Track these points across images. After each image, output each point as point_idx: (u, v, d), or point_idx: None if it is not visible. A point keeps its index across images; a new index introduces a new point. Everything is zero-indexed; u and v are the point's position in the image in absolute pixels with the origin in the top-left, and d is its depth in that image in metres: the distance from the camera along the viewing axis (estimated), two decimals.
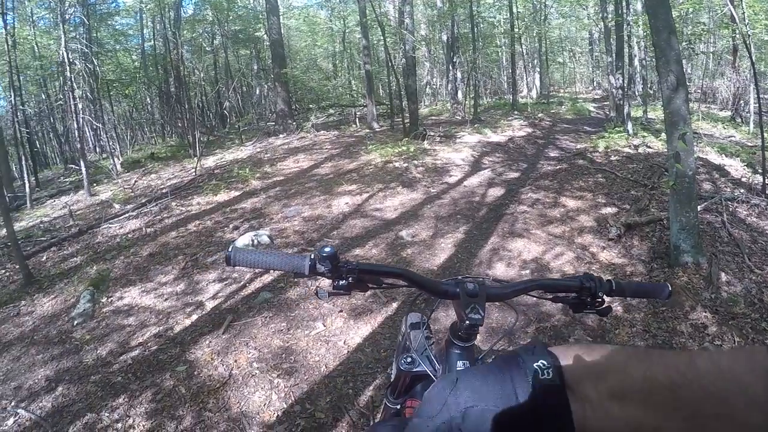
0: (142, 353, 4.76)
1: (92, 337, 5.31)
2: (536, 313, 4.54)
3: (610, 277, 1.28)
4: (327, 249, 1.15)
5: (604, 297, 1.26)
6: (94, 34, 19.04)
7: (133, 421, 3.74)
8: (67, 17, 14.97)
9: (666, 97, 5.19)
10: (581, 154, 11.02)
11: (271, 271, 5.97)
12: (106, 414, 3.86)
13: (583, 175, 9.18)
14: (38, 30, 18.63)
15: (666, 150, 5.59)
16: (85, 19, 17.03)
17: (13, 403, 4.35)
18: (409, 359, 1.41)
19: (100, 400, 4.07)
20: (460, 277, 1.28)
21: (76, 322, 5.68)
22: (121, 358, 4.76)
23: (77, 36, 16.26)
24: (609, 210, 7.18)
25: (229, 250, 1.22)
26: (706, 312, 4.32)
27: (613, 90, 14.78)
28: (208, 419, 3.62)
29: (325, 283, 1.20)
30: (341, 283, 1.19)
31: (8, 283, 7.57)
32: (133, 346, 4.95)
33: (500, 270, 5.63)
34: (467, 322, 1.14)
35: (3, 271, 8.06)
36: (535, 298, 1.36)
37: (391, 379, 1.81)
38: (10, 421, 4.06)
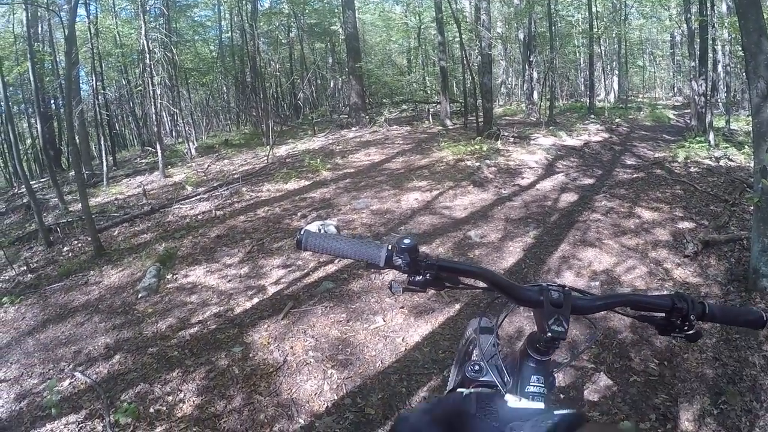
0: (200, 331, 4.86)
1: (154, 311, 5.48)
2: (603, 328, 4.36)
3: (702, 300, 1.17)
4: (407, 241, 1.10)
5: (696, 321, 1.16)
6: (174, 25, 19.61)
7: (184, 395, 3.82)
8: (147, 8, 15.49)
9: (755, 105, 4.80)
10: (659, 164, 10.62)
11: (336, 261, 5.99)
12: (159, 386, 3.95)
13: (660, 186, 8.83)
14: (120, 20, 19.35)
15: (750, 164, 5.26)
16: (165, 11, 17.57)
17: (71, 366, 4.51)
18: (477, 367, 1.32)
19: (155, 372, 4.17)
20: (543, 284, 1.19)
21: (140, 296, 5.87)
22: (180, 333, 4.87)
23: (157, 26, 16.81)
24: (686, 224, 6.85)
25: (301, 232, 1.18)
26: None
27: (695, 97, 14.18)
28: (257, 402, 3.66)
29: (401, 277, 1.15)
30: (418, 278, 1.14)
31: (80, 253, 7.91)
32: (193, 323, 5.07)
33: (569, 279, 5.46)
34: (549, 334, 1.07)
35: (76, 242, 8.42)
36: (604, 311, 1.26)
37: (450, 385, 1.74)
38: (66, 383, 4.21)
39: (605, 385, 3.67)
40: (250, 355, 4.29)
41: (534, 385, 1.11)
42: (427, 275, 1.13)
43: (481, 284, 1.21)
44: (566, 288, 1.18)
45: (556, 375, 1.21)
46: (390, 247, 1.12)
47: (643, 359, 3.96)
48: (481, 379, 1.31)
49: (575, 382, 3.74)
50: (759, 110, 4.76)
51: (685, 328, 1.17)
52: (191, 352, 4.47)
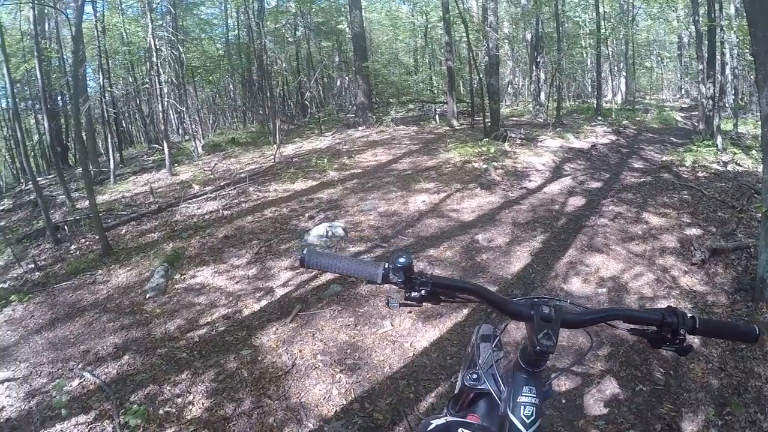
0: (209, 332, 4.88)
1: (162, 311, 5.51)
2: (610, 336, 4.35)
3: (693, 314, 1.23)
4: (401, 259, 1.15)
5: (686, 335, 1.20)
6: (180, 23, 19.67)
7: (194, 397, 3.84)
8: (154, 6, 15.57)
9: (764, 114, 4.72)
10: (667, 168, 10.60)
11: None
12: (168, 387, 3.98)
13: (667, 191, 8.82)
14: (126, 18, 19.34)
15: (757, 169, 5.23)
16: (172, 9, 17.64)
17: (80, 366, 4.54)
18: (474, 375, 1.40)
19: (164, 373, 4.20)
20: (535, 298, 1.26)
21: (148, 296, 5.91)
22: (189, 335, 4.90)
23: (164, 24, 16.82)
24: (694, 231, 6.83)
25: (304, 251, 1.25)
26: None
27: (703, 100, 14.14)
28: (266, 405, 3.68)
29: (398, 291, 1.20)
30: (414, 294, 1.20)
31: (87, 252, 7.96)
32: (201, 325, 5.09)
33: (576, 286, 5.47)
34: (538, 347, 1.12)
35: (83, 240, 8.46)
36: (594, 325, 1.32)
37: (455, 391, 1.79)
38: (75, 383, 4.24)
39: (612, 394, 3.69)
40: (259, 357, 4.31)
41: (526, 396, 1.16)
42: (422, 291, 1.19)
43: (475, 299, 1.28)
44: (557, 302, 1.24)
45: (553, 383, 1.26)
46: (387, 266, 1.17)
47: (650, 369, 3.97)
48: (478, 387, 1.37)
49: (581, 390, 3.75)
50: None
51: (677, 341, 1.21)
52: (200, 353, 4.49)
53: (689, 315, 1.21)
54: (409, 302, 1.22)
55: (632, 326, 1.28)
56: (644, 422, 3.41)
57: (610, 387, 3.77)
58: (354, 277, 1.20)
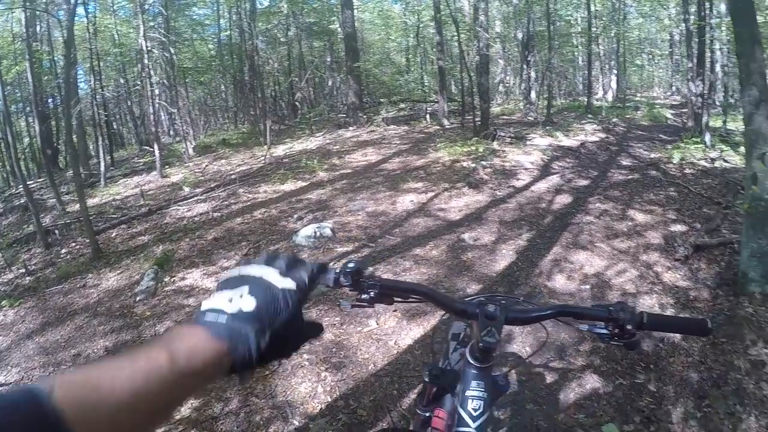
0: None
1: (152, 314, 5.54)
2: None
3: (641, 310, 1.24)
4: (351, 265, 1.23)
5: (635, 330, 1.23)
6: (172, 24, 19.60)
7: None
8: (146, 7, 15.50)
9: (747, 113, 4.86)
10: (654, 165, 10.67)
11: (331, 264, 6.02)
12: None
13: (654, 188, 8.89)
14: (118, 19, 19.29)
15: (745, 166, 5.30)
16: (163, 10, 17.59)
17: (71, 370, 4.56)
18: (434, 372, 1.41)
19: None
20: (482, 297, 1.33)
21: (138, 298, 5.94)
22: None
23: (155, 25, 16.80)
24: (678, 227, 6.91)
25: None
26: (767, 348, 4.13)
27: (692, 98, 14.19)
28: (253, 404, 3.73)
29: (353, 294, 1.27)
30: (364, 296, 1.26)
31: (78, 255, 7.97)
32: None
33: (560, 283, 5.53)
34: (481, 344, 1.18)
35: (74, 244, 8.47)
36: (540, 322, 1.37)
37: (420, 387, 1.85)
38: None
39: (592, 388, 3.75)
40: None
41: (474, 390, 1.22)
42: (371, 293, 1.25)
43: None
44: (504, 301, 1.31)
45: (509, 377, 1.32)
46: (338, 270, 1.22)
47: (630, 363, 4.03)
48: (437, 383, 1.41)
49: (561, 385, 3.81)
50: (750, 118, 4.82)
51: (625, 336, 1.24)
52: None
53: (638, 311, 1.24)
54: (360, 304, 1.28)
55: (581, 322, 1.32)
56: (624, 415, 3.47)
57: (591, 381, 3.83)
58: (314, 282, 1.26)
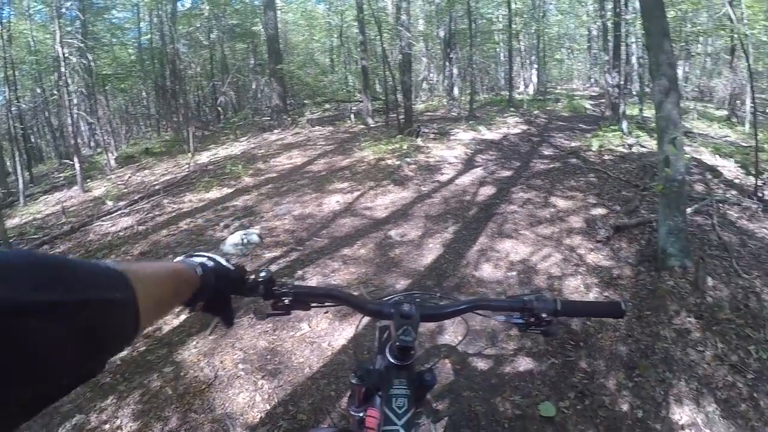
0: (130, 353, 4.73)
1: None
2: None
3: (555, 298, 1.27)
4: (262, 274, 1.23)
5: (548, 318, 1.26)
6: (91, 28, 18.89)
7: (121, 422, 3.73)
8: (63, 11, 14.91)
9: (657, 101, 5.21)
10: (575, 153, 11.00)
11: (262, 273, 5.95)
12: (95, 415, 3.85)
13: (575, 175, 9.18)
14: (34, 24, 18.52)
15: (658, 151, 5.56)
16: (81, 15, 16.93)
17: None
18: (359, 373, 1.42)
19: (89, 401, 4.06)
20: (397, 297, 1.38)
21: None
22: (111, 359, 4.76)
23: (73, 31, 16.16)
24: (599, 211, 7.17)
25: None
26: (690, 317, 4.31)
27: (610, 88, 14.73)
28: (193, 420, 3.62)
29: (267, 303, 1.25)
30: (279, 304, 1.27)
31: None
32: None
33: (487, 272, 5.63)
34: (398, 343, 1.20)
35: None
36: (455, 317, 1.39)
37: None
38: None
39: (526, 370, 3.84)
40: (182, 373, 4.24)
41: (397, 388, 1.22)
42: (285, 301, 1.27)
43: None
44: (419, 299, 1.33)
45: (434, 371, 1.31)
46: (251, 279, 1.23)
47: (560, 342, 4.16)
48: (364, 384, 1.40)
49: (495, 370, 3.87)
50: (661, 105, 5.17)
51: (542, 325, 1.27)
52: (123, 377, 4.36)
53: (552, 299, 1.27)
54: (276, 312, 1.29)
55: (498, 313, 1.34)
56: (558, 393, 3.58)
57: (524, 363, 3.93)
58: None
